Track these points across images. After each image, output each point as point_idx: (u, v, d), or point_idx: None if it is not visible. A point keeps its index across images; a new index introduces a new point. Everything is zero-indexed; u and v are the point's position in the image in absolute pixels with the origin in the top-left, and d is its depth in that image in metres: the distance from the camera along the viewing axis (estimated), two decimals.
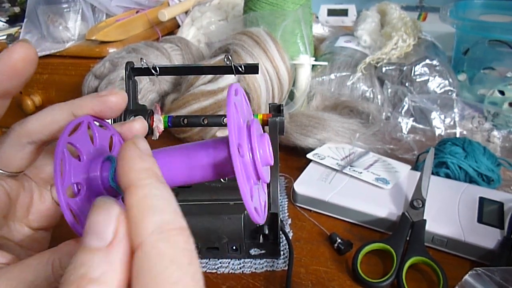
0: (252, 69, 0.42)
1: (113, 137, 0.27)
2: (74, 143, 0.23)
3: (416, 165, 0.58)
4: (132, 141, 0.21)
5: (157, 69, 0.43)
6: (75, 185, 0.23)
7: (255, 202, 0.23)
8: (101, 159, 0.24)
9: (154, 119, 0.44)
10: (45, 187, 0.28)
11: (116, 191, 0.24)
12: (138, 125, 0.28)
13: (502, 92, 0.71)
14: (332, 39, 0.88)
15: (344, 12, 1.21)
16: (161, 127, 0.43)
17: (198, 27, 0.96)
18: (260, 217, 0.24)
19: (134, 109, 0.44)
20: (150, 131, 0.44)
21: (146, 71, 0.43)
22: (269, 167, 0.25)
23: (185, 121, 0.43)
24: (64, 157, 0.22)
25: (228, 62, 0.42)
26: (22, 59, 0.25)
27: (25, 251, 0.26)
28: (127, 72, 0.43)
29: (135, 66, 0.44)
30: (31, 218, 0.27)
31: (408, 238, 0.46)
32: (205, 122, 0.43)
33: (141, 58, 0.43)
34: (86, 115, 0.25)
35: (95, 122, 0.26)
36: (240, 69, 0.41)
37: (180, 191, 0.49)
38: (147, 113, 0.43)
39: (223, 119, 0.43)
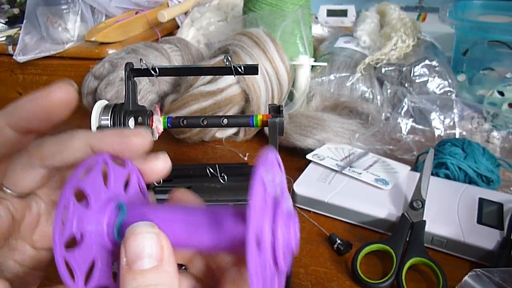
0: (252, 70, 0.42)
1: (131, 175, 0.24)
2: (84, 187, 0.21)
3: (416, 166, 0.58)
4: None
5: (157, 70, 0.43)
6: (78, 233, 0.21)
7: None
8: (112, 205, 0.22)
9: (154, 120, 0.44)
10: (54, 210, 0.28)
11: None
12: (162, 164, 0.25)
13: (501, 93, 0.71)
14: (331, 40, 0.88)
15: (343, 13, 1.21)
16: (161, 128, 0.44)
17: (197, 27, 0.96)
18: None
19: (133, 110, 0.44)
20: (150, 131, 0.44)
21: (145, 72, 0.43)
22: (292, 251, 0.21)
23: (185, 122, 0.43)
24: (68, 204, 0.20)
25: (227, 63, 0.42)
26: (59, 102, 0.23)
27: (24, 269, 0.25)
28: (126, 73, 0.43)
29: (134, 67, 0.44)
30: (35, 239, 0.25)
31: (407, 239, 0.46)
32: (205, 123, 0.43)
33: (140, 59, 0.43)
34: (103, 153, 0.23)
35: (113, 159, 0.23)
36: (240, 69, 0.41)
37: None
38: (147, 114, 0.43)
39: (223, 120, 0.43)
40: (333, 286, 0.44)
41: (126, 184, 0.24)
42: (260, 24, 0.74)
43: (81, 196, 0.21)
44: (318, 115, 0.67)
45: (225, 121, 0.43)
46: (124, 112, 0.43)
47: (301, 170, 0.58)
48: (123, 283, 0.19)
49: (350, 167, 0.57)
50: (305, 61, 0.72)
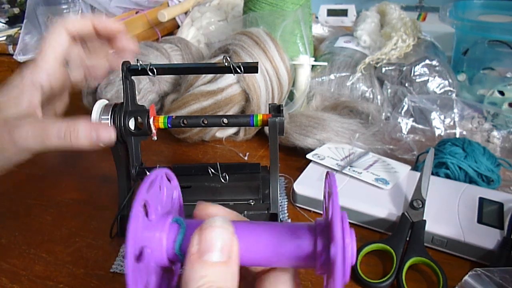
0: (252, 68, 0.42)
1: (174, 192, 0.26)
2: (149, 201, 0.21)
3: (416, 166, 0.58)
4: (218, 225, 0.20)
5: (154, 70, 0.43)
6: (143, 248, 0.21)
7: None
8: (168, 220, 0.22)
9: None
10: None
11: (177, 258, 0.22)
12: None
13: (501, 93, 0.71)
14: (331, 40, 0.88)
15: (343, 12, 1.21)
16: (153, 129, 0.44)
17: (197, 27, 0.96)
18: None
19: (133, 110, 0.44)
20: (149, 131, 0.44)
21: (142, 71, 0.43)
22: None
23: (185, 121, 0.43)
24: (137, 219, 0.20)
25: (227, 63, 0.42)
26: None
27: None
28: (123, 73, 0.43)
29: (131, 66, 0.44)
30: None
31: (408, 239, 0.46)
32: (205, 122, 0.43)
33: (137, 59, 0.43)
34: (162, 169, 0.24)
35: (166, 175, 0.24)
36: (239, 69, 0.41)
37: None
38: (146, 114, 0.43)
39: (223, 119, 0.43)
40: None
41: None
42: (260, 23, 0.74)
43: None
44: (318, 114, 0.67)
45: (225, 120, 0.43)
46: (124, 112, 0.43)
47: (301, 169, 0.58)
48: (190, 270, 0.19)
49: (350, 166, 0.57)
50: (305, 60, 0.72)
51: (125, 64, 0.43)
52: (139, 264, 0.20)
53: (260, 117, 0.43)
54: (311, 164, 0.59)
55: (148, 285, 0.21)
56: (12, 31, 1.06)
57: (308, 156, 0.59)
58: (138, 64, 0.43)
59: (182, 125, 0.44)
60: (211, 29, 0.94)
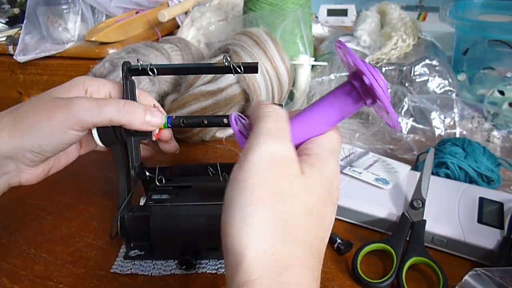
0: (252, 69, 0.42)
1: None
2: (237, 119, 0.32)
3: (416, 165, 0.58)
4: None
5: (155, 70, 0.42)
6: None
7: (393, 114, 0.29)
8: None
9: None
10: None
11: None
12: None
13: (502, 92, 0.70)
14: (331, 39, 0.88)
15: (343, 12, 1.21)
16: (157, 130, 0.44)
17: (197, 27, 0.96)
18: (398, 127, 0.31)
19: None
20: (149, 132, 0.44)
21: (143, 71, 0.43)
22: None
23: (185, 121, 0.43)
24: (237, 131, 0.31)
25: (227, 63, 0.42)
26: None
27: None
28: (124, 73, 0.43)
29: (132, 67, 0.44)
30: None
31: (408, 239, 0.46)
32: (205, 122, 0.43)
33: (137, 59, 0.43)
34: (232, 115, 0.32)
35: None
36: (239, 69, 0.41)
37: (180, 192, 0.49)
38: None
39: (223, 119, 0.43)
40: (333, 285, 0.44)
41: None
42: (260, 23, 0.74)
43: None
44: None
45: (226, 121, 0.43)
46: None
47: None
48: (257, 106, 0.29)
49: (351, 166, 0.57)
50: (306, 60, 0.72)
51: (126, 64, 0.43)
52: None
53: None
54: None
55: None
56: (12, 32, 1.06)
57: None
58: (139, 64, 0.43)
59: (182, 125, 0.43)
60: (211, 29, 0.94)
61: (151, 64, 0.43)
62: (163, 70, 0.44)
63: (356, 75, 0.29)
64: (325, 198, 0.27)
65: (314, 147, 0.28)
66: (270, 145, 0.26)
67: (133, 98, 0.44)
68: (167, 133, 0.46)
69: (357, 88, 0.29)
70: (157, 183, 0.44)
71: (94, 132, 0.42)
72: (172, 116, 0.44)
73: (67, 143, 0.39)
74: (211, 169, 0.43)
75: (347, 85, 0.30)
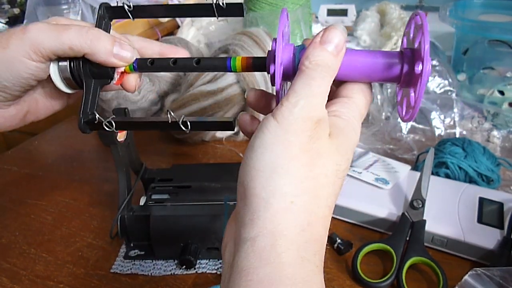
0: (236, 9, 0.35)
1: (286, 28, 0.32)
2: (284, 33, 0.29)
3: (416, 165, 0.58)
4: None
5: (131, 6, 0.35)
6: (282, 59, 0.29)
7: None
8: (293, 46, 0.30)
9: None
10: None
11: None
12: None
13: (501, 92, 0.70)
14: None
15: (343, 12, 1.21)
16: (121, 69, 0.35)
17: (198, 27, 0.96)
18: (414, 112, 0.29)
19: None
20: (111, 71, 0.35)
21: (120, 12, 0.36)
22: None
23: (153, 63, 0.35)
24: (281, 42, 0.28)
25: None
26: None
27: None
28: (100, 12, 0.36)
29: (107, 5, 0.36)
30: None
31: (408, 238, 0.46)
32: (174, 64, 0.35)
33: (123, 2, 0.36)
34: (283, 12, 0.31)
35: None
36: (222, 4, 0.34)
37: (180, 192, 0.49)
38: None
39: (195, 61, 0.35)
40: (333, 285, 0.44)
41: None
42: (260, 23, 0.74)
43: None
44: None
45: (197, 63, 0.35)
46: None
47: None
48: (312, 50, 0.27)
49: (350, 166, 0.57)
50: None
51: (103, 4, 0.36)
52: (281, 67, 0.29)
53: (239, 62, 0.34)
54: None
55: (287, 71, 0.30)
56: None
57: None
58: (116, 1, 0.36)
59: (149, 65, 0.35)
60: (211, 29, 0.94)
61: (129, 1, 0.35)
62: (140, 9, 0.36)
63: (412, 54, 0.28)
64: (346, 164, 0.28)
65: (346, 112, 0.29)
66: (309, 104, 0.26)
67: None
68: (132, 81, 0.37)
69: (403, 64, 0.28)
70: (158, 183, 0.43)
71: (53, 67, 0.34)
72: (138, 58, 0.36)
73: (27, 77, 0.33)
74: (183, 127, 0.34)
75: (397, 55, 0.29)
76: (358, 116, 0.29)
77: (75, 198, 0.60)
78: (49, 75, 0.34)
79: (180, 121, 0.31)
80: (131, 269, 0.47)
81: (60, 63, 0.33)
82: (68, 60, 0.33)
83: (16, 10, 1.13)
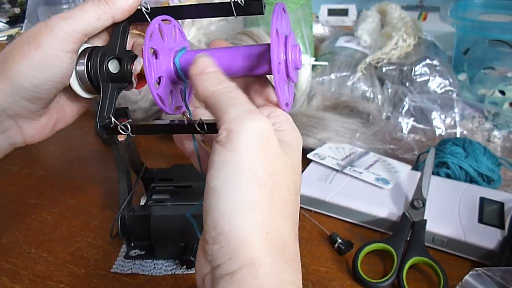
0: (255, 7, 0.33)
1: (175, 27, 0.34)
2: (153, 46, 0.30)
3: (417, 165, 0.58)
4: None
5: (149, 8, 0.34)
6: (157, 78, 0.30)
7: (286, 98, 0.30)
8: (173, 53, 0.31)
9: (135, 63, 0.34)
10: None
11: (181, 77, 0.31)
12: None
13: (502, 92, 0.70)
14: (332, 39, 0.88)
15: (344, 12, 1.21)
16: (138, 68, 0.34)
17: (198, 27, 0.95)
18: (288, 108, 0.30)
19: (113, 53, 0.35)
20: (129, 75, 0.34)
21: (137, 14, 0.35)
22: (298, 71, 0.31)
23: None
24: (149, 61, 0.29)
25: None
26: None
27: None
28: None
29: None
30: None
31: (408, 238, 0.46)
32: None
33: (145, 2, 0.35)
34: (156, 18, 0.31)
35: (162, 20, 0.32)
36: (240, 2, 0.33)
37: (181, 192, 0.49)
38: (129, 56, 0.34)
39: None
40: (334, 285, 0.44)
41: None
42: (261, 23, 0.74)
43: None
44: (319, 114, 0.67)
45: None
46: (102, 54, 0.34)
47: (301, 169, 0.58)
48: (197, 83, 0.27)
49: (351, 166, 0.57)
50: (306, 60, 0.72)
51: None
52: (159, 88, 0.30)
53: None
54: (311, 164, 0.59)
55: (172, 95, 0.32)
56: (13, 31, 1.07)
57: (309, 155, 0.59)
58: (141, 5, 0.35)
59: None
60: (211, 29, 0.94)
61: (146, 3, 0.35)
62: (158, 12, 0.34)
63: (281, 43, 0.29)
64: (300, 177, 0.28)
65: (283, 121, 0.28)
66: (256, 122, 0.24)
67: (122, 44, 0.35)
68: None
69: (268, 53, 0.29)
70: (158, 183, 0.43)
71: (73, 79, 0.34)
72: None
73: (62, 73, 0.32)
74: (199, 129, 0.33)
75: (265, 46, 0.30)
76: (291, 120, 0.29)
77: (76, 198, 0.60)
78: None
79: (196, 123, 0.30)
80: (131, 269, 0.47)
81: (78, 68, 0.34)
82: (85, 64, 0.33)
83: (17, 10, 1.14)
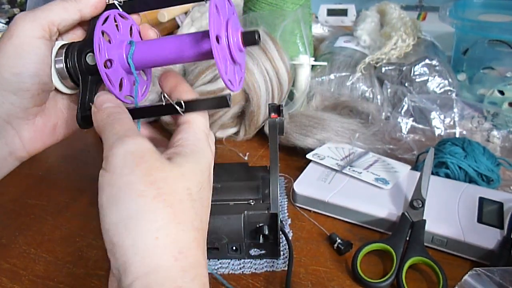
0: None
1: (133, 27, 0.35)
2: (106, 30, 0.32)
3: (416, 165, 0.59)
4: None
5: (122, 1, 0.35)
6: (108, 61, 0.32)
7: (230, 76, 0.31)
8: (125, 42, 0.33)
9: None
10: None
11: (130, 68, 0.33)
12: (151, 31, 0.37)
13: (501, 92, 0.71)
14: (331, 39, 0.88)
15: (343, 12, 1.21)
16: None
17: (197, 27, 0.96)
18: (233, 87, 0.32)
19: (92, 48, 0.34)
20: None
21: (112, 8, 0.35)
22: (244, 53, 0.34)
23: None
24: (100, 41, 0.31)
25: None
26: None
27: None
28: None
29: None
30: None
31: (408, 238, 0.46)
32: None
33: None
34: (113, 10, 0.33)
35: (119, 14, 0.34)
36: None
37: None
38: None
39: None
40: (333, 285, 0.44)
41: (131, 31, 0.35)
42: (260, 23, 0.74)
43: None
44: (318, 114, 0.67)
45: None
46: (79, 48, 0.34)
47: (301, 169, 0.58)
48: (93, 118, 0.31)
49: (350, 166, 0.57)
50: (305, 60, 0.72)
51: None
52: (110, 69, 0.32)
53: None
54: (311, 164, 0.59)
55: (122, 82, 0.33)
56: None
57: (308, 156, 0.59)
58: None
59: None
60: None
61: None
62: (131, 4, 0.35)
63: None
64: (199, 186, 0.28)
65: (189, 137, 0.30)
66: (126, 145, 0.26)
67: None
68: None
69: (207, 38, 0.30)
70: None
71: (54, 77, 0.34)
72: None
73: (37, 59, 0.33)
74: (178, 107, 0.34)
75: (203, 32, 0.31)
76: (203, 136, 0.31)
77: (75, 198, 0.60)
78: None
79: (175, 102, 0.32)
80: None
81: (57, 66, 0.34)
82: (63, 60, 0.34)
83: (16, 10, 1.14)
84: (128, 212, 0.25)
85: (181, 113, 0.32)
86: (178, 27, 1.03)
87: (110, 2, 0.35)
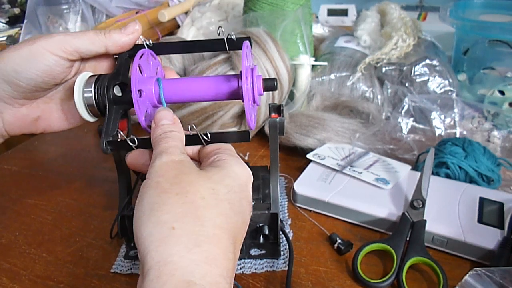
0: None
1: (158, 68, 0.40)
2: (141, 65, 0.36)
3: (416, 165, 0.58)
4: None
5: (151, 43, 0.40)
6: (139, 91, 0.35)
7: (252, 117, 0.37)
8: (154, 79, 0.37)
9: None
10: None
11: (156, 101, 0.37)
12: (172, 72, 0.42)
13: (502, 92, 0.70)
14: (332, 39, 0.88)
15: (344, 12, 1.21)
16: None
17: (198, 27, 0.96)
18: (252, 125, 0.37)
19: (118, 79, 0.39)
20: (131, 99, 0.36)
21: (137, 47, 0.40)
22: (260, 97, 0.39)
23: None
24: (135, 73, 0.34)
25: (219, 34, 0.38)
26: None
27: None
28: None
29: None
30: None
31: (408, 238, 0.46)
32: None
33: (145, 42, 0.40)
34: (143, 49, 0.38)
35: (151, 54, 0.39)
36: (233, 37, 0.38)
37: None
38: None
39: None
40: (333, 285, 0.44)
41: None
42: (261, 23, 0.74)
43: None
44: (318, 114, 0.67)
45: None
46: (108, 80, 0.37)
47: (301, 169, 0.58)
48: (152, 131, 0.34)
49: (351, 166, 0.57)
50: (306, 60, 0.72)
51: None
52: (140, 98, 0.35)
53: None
54: (311, 164, 0.59)
55: (147, 112, 0.37)
56: (12, 31, 1.07)
57: (309, 156, 0.59)
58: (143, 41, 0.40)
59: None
60: (211, 29, 0.94)
61: (149, 40, 0.40)
62: (160, 47, 0.40)
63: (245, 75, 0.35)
64: (226, 188, 0.30)
65: (223, 155, 0.33)
66: (163, 158, 0.31)
67: (125, 72, 0.40)
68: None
69: (239, 83, 0.36)
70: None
71: (78, 97, 0.37)
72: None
73: (44, 69, 0.36)
74: (204, 137, 0.37)
75: (235, 76, 0.36)
76: (234, 153, 0.35)
77: (75, 198, 0.60)
78: (74, 102, 0.37)
79: (201, 134, 0.35)
80: (131, 269, 0.47)
81: (85, 95, 0.37)
82: (93, 90, 0.38)
83: (17, 10, 1.14)
84: (151, 205, 0.27)
85: (204, 143, 0.36)
86: (178, 26, 1.03)
87: (140, 43, 0.40)
